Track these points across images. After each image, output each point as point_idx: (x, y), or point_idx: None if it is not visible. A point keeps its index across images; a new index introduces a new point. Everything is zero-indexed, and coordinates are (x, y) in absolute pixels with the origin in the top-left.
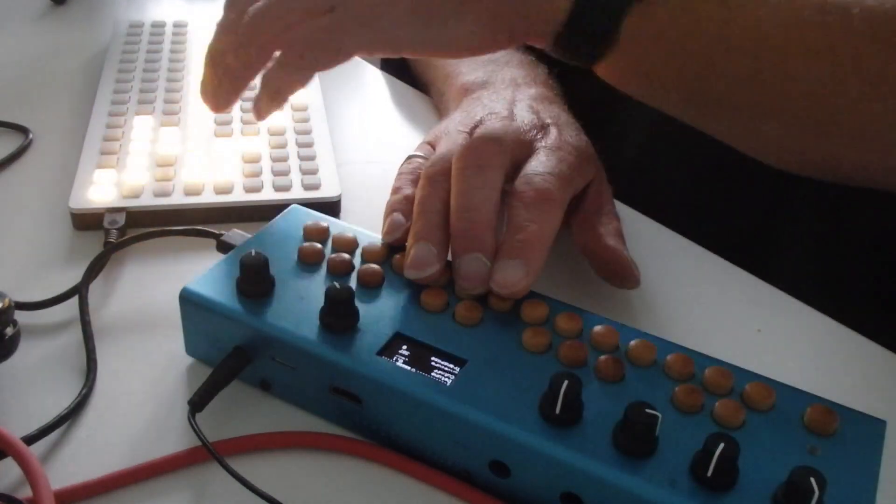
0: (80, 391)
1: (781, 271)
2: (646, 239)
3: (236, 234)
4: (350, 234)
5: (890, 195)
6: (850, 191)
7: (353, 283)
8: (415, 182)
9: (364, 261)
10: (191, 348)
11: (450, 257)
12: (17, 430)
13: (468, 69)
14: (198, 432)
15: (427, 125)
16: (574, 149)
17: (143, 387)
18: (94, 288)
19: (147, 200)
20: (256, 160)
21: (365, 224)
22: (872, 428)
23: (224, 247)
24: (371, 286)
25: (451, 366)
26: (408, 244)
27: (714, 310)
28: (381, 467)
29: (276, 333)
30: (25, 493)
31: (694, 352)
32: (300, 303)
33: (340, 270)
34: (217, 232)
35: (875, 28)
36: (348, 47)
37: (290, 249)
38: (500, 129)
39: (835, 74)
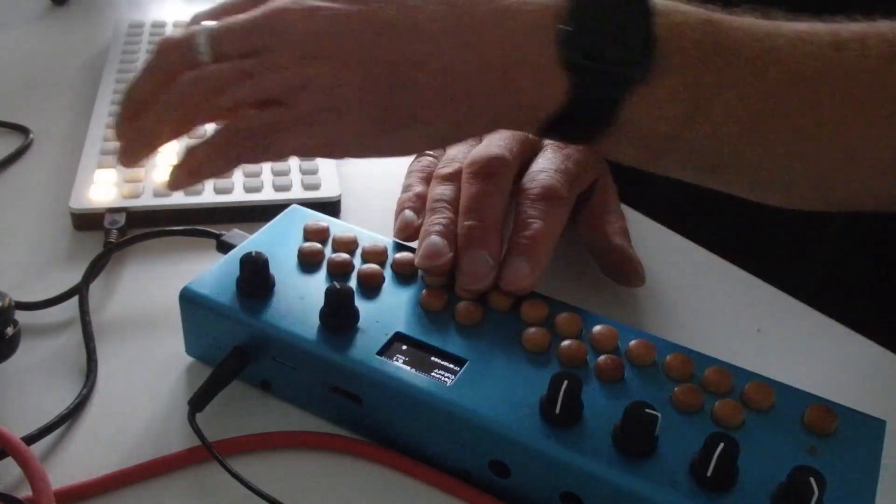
0: (81, 391)
1: (781, 271)
2: (646, 239)
3: (236, 234)
4: (350, 234)
5: None
6: None
7: (353, 283)
8: (425, 180)
9: (364, 261)
10: (191, 348)
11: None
12: (17, 430)
13: None
14: (198, 432)
15: None
16: (580, 147)
17: (144, 387)
18: (95, 288)
19: (147, 200)
20: None
21: (365, 224)
22: (872, 428)
23: (224, 247)
24: (371, 286)
25: (451, 366)
26: (419, 238)
27: (714, 310)
28: (381, 467)
29: (276, 333)
30: (25, 492)
31: (694, 352)
32: (300, 303)
33: (340, 270)
34: (217, 232)
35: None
36: (287, 150)
37: (290, 249)
38: (508, 133)
39: (862, 108)
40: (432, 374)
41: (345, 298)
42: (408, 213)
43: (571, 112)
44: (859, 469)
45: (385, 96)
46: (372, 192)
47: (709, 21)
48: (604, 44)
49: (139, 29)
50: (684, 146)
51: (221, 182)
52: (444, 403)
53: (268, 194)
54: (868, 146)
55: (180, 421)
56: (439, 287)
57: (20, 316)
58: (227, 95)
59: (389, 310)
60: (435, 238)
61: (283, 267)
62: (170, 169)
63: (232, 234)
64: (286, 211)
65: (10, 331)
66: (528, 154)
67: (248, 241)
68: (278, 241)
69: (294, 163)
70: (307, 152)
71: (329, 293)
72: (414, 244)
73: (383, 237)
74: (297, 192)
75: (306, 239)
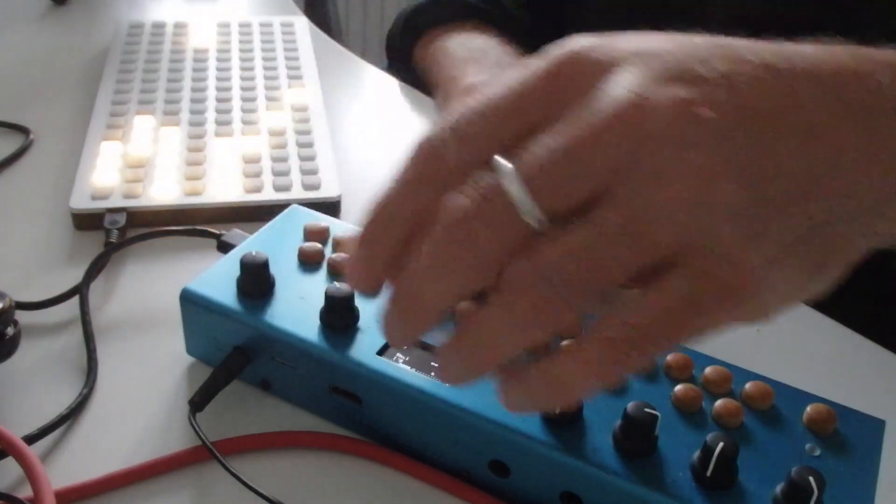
0: (81, 391)
1: None
2: None
3: (236, 234)
4: (350, 235)
5: None
6: None
7: None
8: None
9: None
10: (191, 348)
11: None
12: (17, 430)
13: (473, 72)
14: (198, 432)
15: (426, 124)
16: None
17: (144, 387)
18: (95, 288)
19: (147, 200)
20: (256, 160)
21: None
22: (871, 428)
23: (224, 247)
24: None
25: None
26: None
27: None
28: (381, 467)
29: (277, 333)
30: (26, 492)
31: (694, 352)
32: (300, 303)
33: (340, 270)
34: (217, 232)
35: None
36: (687, 336)
37: (290, 249)
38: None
39: None
40: (432, 374)
41: (345, 298)
42: None
43: None
44: (859, 469)
45: (813, 234)
46: (372, 192)
47: None
48: None
49: (139, 29)
50: None
51: (221, 182)
52: (444, 403)
53: (268, 194)
54: None
55: (180, 421)
56: None
57: (20, 316)
58: (590, 287)
59: None
60: None
61: (283, 267)
62: (508, 393)
63: (232, 234)
64: (286, 211)
65: (10, 331)
66: None
67: (248, 241)
68: (278, 241)
69: (294, 163)
70: (712, 331)
71: (329, 293)
72: None
73: None
74: (297, 192)
75: (306, 239)
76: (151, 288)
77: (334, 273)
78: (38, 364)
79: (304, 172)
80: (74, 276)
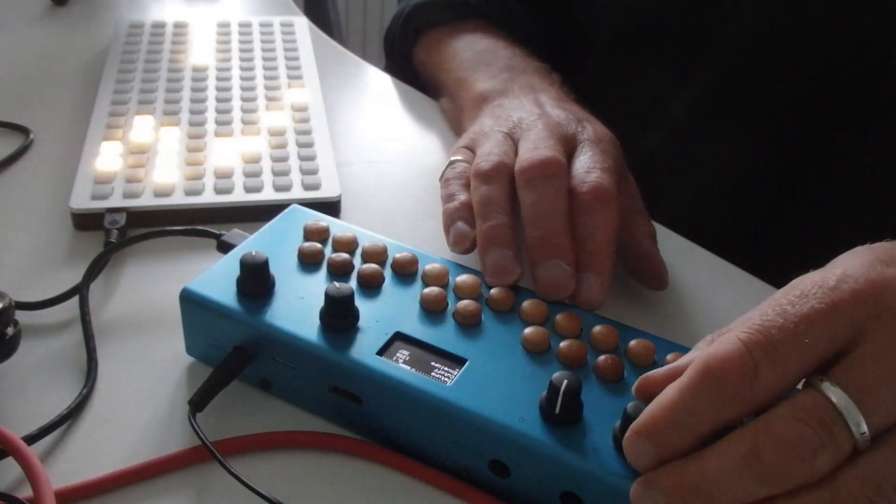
0: (81, 391)
1: (781, 271)
2: None
3: (236, 234)
4: (350, 234)
5: (889, 196)
6: (849, 192)
7: (353, 283)
8: (466, 186)
9: (364, 261)
10: (191, 348)
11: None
12: (17, 430)
13: (483, 76)
14: (198, 432)
15: (427, 125)
16: (611, 140)
17: (144, 387)
18: (95, 288)
19: (147, 200)
20: (256, 160)
21: (365, 224)
22: None
23: (224, 247)
24: (371, 286)
25: (451, 365)
26: (479, 250)
27: (714, 310)
28: (381, 467)
29: (277, 333)
30: (26, 492)
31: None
32: (300, 303)
33: (340, 270)
34: (217, 232)
35: None
36: None
37: (290, 249)
38: (545, 131)
39: None
40: (432, 374)
41: (345, 298)
42: (461, 224)
43: None
44: None
45: None
46: (372, 192)
47: None
48: None
49: (139, 29)
50: None
51: (221, 182)
52: (444, 403)
53: (268, 194)
54: None
55: (180, 421)
56: (439, 287)
57: (20, 316)
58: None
59: (389, 310)
60: (503, 252)
61: (283, 267)
62: None
63: (232, 234)
64: (286, 211)
65: (10, 331)
66: (567, 147)
67: (248, 241)
68: (278, 241)
69: (294, 163)
70: None
71: (329, 293)
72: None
73: (383, 237)
74: (297, 192)
75: (306, 239)
76: (151, 288)
77: (334, 273)
78: (38, 364)
79: (304, 172)
80: (74, 276)
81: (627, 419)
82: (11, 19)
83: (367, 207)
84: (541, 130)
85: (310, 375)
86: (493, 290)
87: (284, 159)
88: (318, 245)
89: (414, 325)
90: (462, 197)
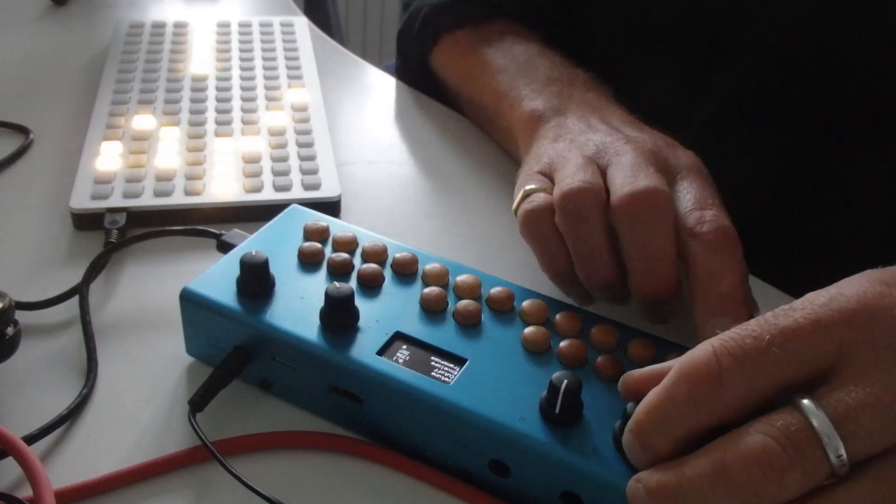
0: (81, 391)
1: (781, 271)
2: None
3: (236, 234)
4: (350, 234)
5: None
6: (849, 192)
7: (353, 283)
8: (553, 225)
9: (364, 261)
10: (191, 348)
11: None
12: (17, 430)
13: (529, 92)
14: (198, 432)
15: (426, 125)
16: (706, 170)
17: (144, 387)
18: (95, 288)
19: (147, 200)
20: (256, 160)
21: (365, 224)
22: None
23: (224, 247)
24: (371, 286)
25: (451, 365)
26: (587, 288)
27: None
28: (381, 467)
29: (277, 333)
30: (26, 492)
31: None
32: (300, 303)
33: (340, 270)
34: (217, 232)
35: None
36: None
37: (290, 249)
38: (640, 157)
39: None
40: (432, 374)
41: (345, 298)
42: (578, 289)
43: None
44: None
45: None
46: (372, 192)
47: None
48: None
49: (139, 29)
50: None
51: (221, 182)
52: (444, 403)
53: (268, 194)
54: None
55: (180, 421)
56: (439, 287)
57: (20, 316)
58: None
59: (389, 310)
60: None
61: (283, 267)
62: None
63: (232, 234)
64: (286, 211)
65: (10, 331)
66: (667, 181)
67: (248, 241)
68: (278, 241)
69: (294, 163)
70: None
71: (329, 293)
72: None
73: (383, 237)
74: (297, 192)
75: (306, 239)
76: (151, 288)
77: (334, 273)
78: (37, 364)
79: (304, 172)
80: (74, 276)
81: (627, 419)
82: (11, 19)
83: (367, 207)
84: (635, 157)
85: (310, 375)
86: (492, 290)
87: (284, 159)
88: (318, 245)
89: (414, 325)
90: (555, 241)
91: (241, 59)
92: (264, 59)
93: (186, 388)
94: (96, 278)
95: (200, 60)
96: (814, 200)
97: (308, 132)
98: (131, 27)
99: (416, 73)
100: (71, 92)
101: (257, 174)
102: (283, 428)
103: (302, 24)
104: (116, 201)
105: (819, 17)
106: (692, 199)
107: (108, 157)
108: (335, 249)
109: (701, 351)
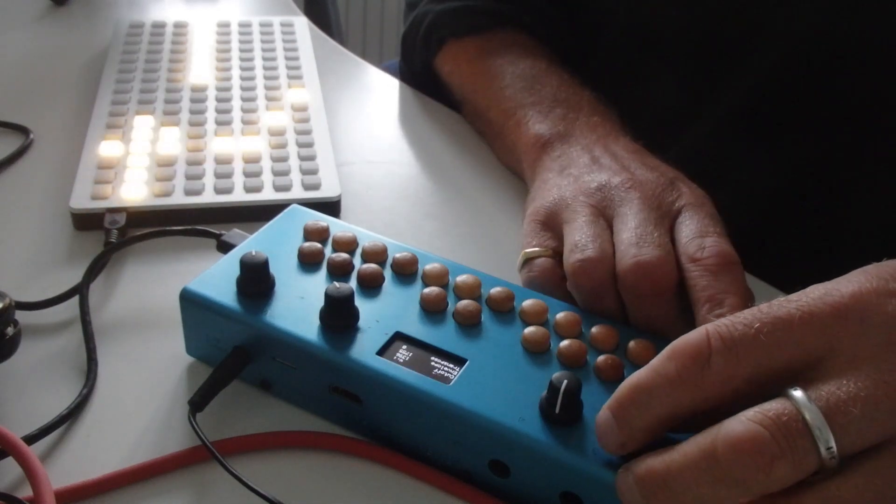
0: (81, 391)
1: (781, 271)
2: None
3: (236, 234)
4: (350, 234)
5: (888, 197)
6: (849, 192)
7: (353, 283)
8: (561, 286)
9: (364, 261)
10: (191, 348)
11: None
12: (17, 430)
13: (535, 113)
14: (198, 432)
15: (426, 125)
16: (711, 203)
17: (144, 387)
18: (95, 288)
19: (147, 200)
20: (256, 160)
21: (365, 224)
22: None
23: (224, 247)
24: (371, 286)
25: (451, 366)
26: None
27: None
28: (381, 467)
29: (277, 333)
30: (26, 492)
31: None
32: (300, 303)
33: (340, 270)
34: (217, 232)
35: None
36: None
37: (290, 249)
38: (646, 213)
39: None
40: (432, 374)
41: (345, 298)
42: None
43: None
44: None
45: None
46: (372, 192)
47: None
48: None
49: (139, 29)
50: None
51: (221, 182)
52: (444, 403)
53: (268, 194)
54: None
55: (180, 421)
56: (439, 287)
57: (20, 316)
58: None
59: (389, 310)
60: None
61: (283, 267)
62: None
63: (232, 234)
64: (286, 211)
65: (10, 331)
66: (670, 223)
67: (248, 241)
68: (278, 241)
69: (294, 163)
70: None
71: (329, 293)
72: None
73: (383, 237)
74: (297, 192)
75: (306, 239)
76: (151, 288)
77: (334, 273)
78: (37, 364)
79: (304, 172)
80: (74, 276)
81: None
82: (11, 19)
83: (367, 207)
84: (638, 210)
85: (310, 375)
86: (492, 290)
87: (284, 159)
88: (318, 245)
89: (414, 325)
90: (562, 297)
91: (241, 59)
92: (264, 59)
93: (186, 388)
94: (96, 278)
95: (200, 60)
96: (817, 204)
97: (308, 132)
98: (131, 27)
99: (419, 76)
100: (71, 92)
101: (257, 174)
102: (283, 428)
103: (302, 24)
104: (116, 201)
105: (830, 27)
106: (693, 229)
107: (109, 157)
108: (335, 249)
109: (695, 333)
